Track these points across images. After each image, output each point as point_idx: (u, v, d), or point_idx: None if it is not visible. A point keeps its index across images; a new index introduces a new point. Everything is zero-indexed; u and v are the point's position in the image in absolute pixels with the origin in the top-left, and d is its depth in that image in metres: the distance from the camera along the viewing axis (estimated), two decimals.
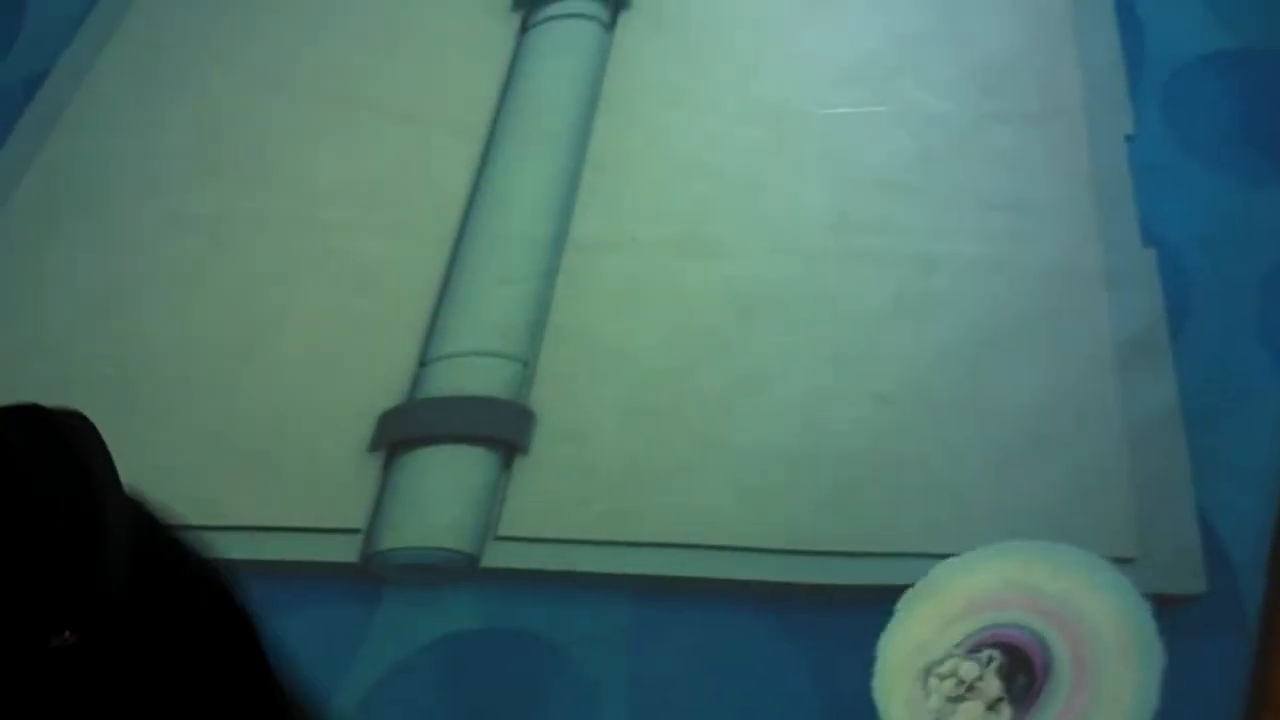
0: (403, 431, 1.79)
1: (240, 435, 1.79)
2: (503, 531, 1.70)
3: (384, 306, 1.91)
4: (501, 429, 1.78)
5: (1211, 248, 1.76)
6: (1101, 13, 2.02)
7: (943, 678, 1.58)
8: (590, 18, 2.14)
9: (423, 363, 1.85)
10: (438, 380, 1.83)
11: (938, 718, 1.57)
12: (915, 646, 1.57)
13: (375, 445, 1.79)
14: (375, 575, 1.69)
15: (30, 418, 0.80)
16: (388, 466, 1.77)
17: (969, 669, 1.58)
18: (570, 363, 1.82)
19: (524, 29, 2.16)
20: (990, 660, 1.57)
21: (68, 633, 0.78)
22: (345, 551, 1.71)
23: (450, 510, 1.73)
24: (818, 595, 1.61)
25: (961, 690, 1.57)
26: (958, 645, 1.58)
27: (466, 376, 1.83)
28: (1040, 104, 1.96)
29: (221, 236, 2.01)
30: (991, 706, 1.57)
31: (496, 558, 1.69)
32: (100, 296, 1.99)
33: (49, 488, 0.80)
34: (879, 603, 1.59)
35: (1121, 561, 1.57)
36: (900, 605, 1.58)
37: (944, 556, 1.60)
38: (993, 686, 1.55)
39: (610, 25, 2.13)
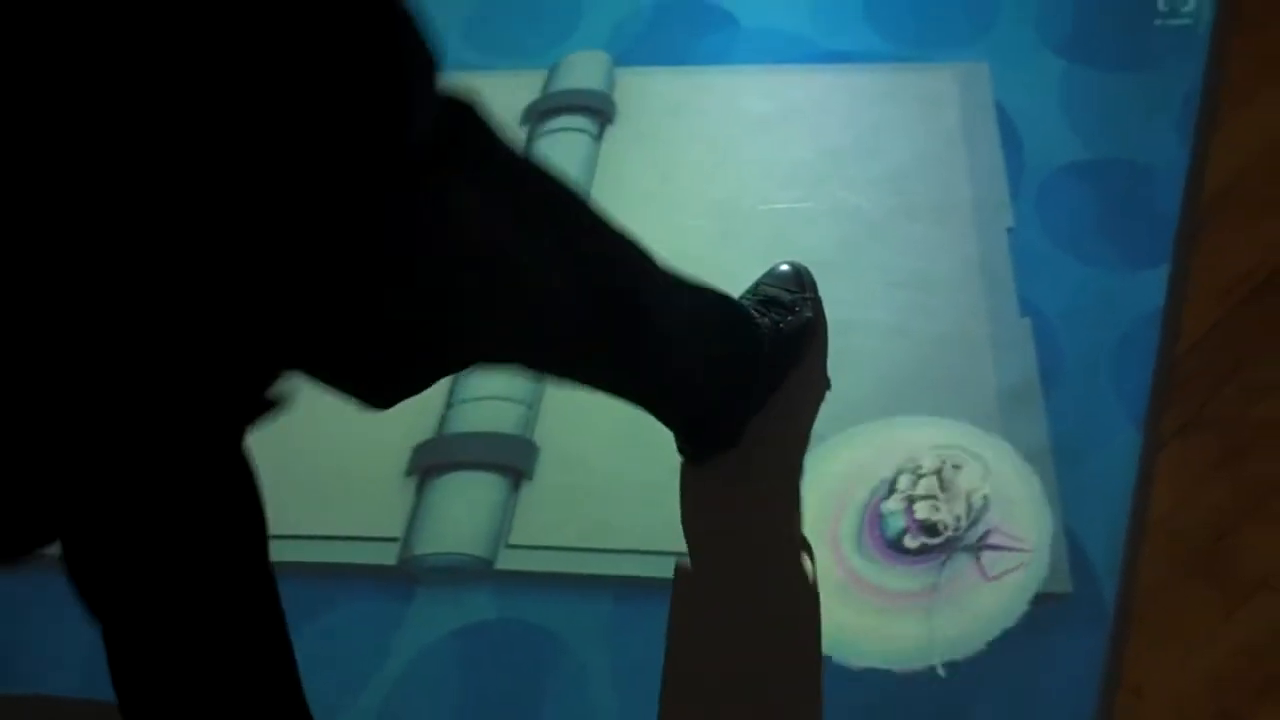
0: (433, 460, 1.79)
1: (304, 464, 1.78)
2: (513, 540, 1.70)
3: None
4: (511, 458, 1.77)
5: (1076, 318, 1.76)
6: (986, 130, 2.02)
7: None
8: (582, 131, 2.14)
9: (449, 405, 1.84)
10: (461, 419, 1.83)
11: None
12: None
13: (411, 471, 1.78)
14: (410, 575, 1.68)
15: None
16: (420, 488, 1.76)
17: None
18: (566, 405, 1.81)
19: (529, 140, 2.15)
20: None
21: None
22: (385, 556, 1.70)
23: (471, 523, 1.72)
24: None
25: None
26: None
27: (484, 416, 1.82)
28: (938, 201, 1.95)
29: None
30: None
31: (508, 562, 1.68)
32: None
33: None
34: None
35: None
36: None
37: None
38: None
39: (598, 138, 2.13)
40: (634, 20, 2.31)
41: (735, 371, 1.60)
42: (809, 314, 1.75)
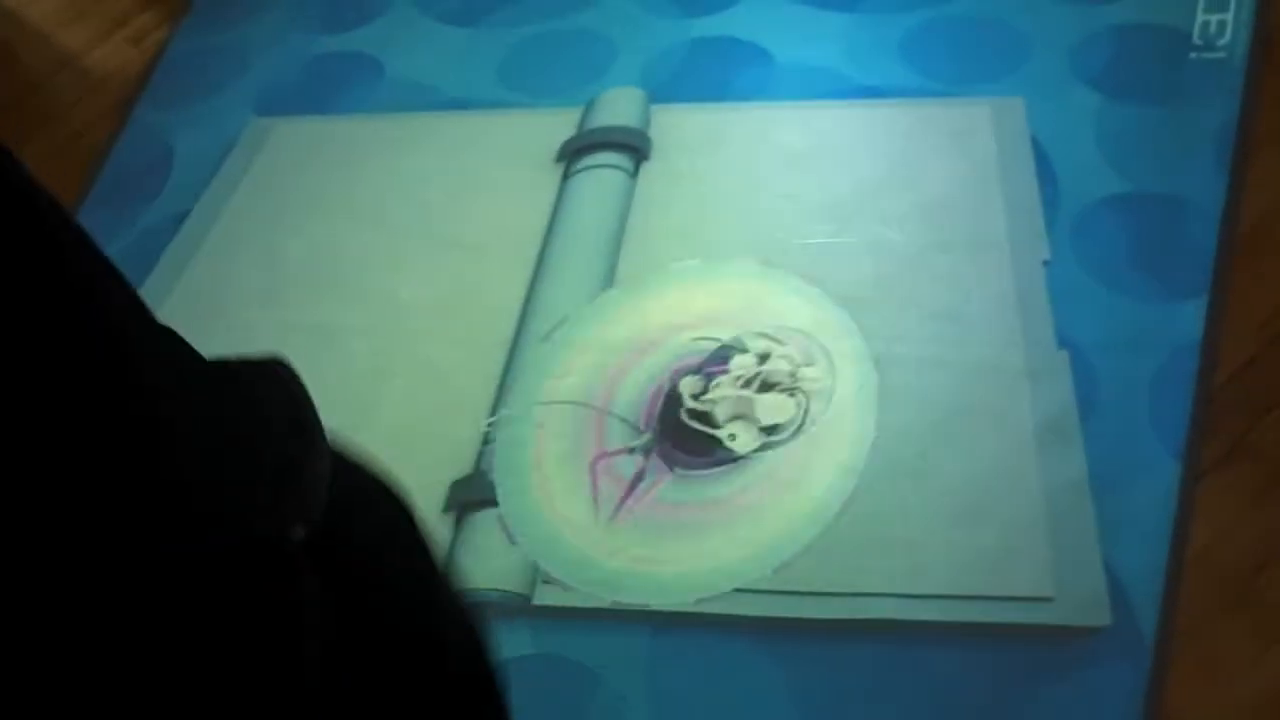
0: (469, 496, 1.80)
1: None
2: (550, 576, 1.70)
3: (454, 398, 1.91)
4: None
5: (1113, 350, 1.76)
6: (1022, 164, 2.02)
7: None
8: (618, 168, 2.15)
9: (485, 442, 1.85)
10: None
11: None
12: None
13: (448, 508, 1.79)
14: None
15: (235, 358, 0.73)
16: (458, 524, 1.77)
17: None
18: None
19: (565, 177, 2.17)
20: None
21: (299, 527, 0.69)
22: None
23: (508, 559, 1.72)
24: (801, 627, 1.61)
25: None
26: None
27: None
28: (974, 235, 1.96)
29: (326, 342, 2.02)
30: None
31: (545, 597, 1.69)
32: None
33: (272, 406, 0.74)
34: (848, 633, 1.59)
35: (1041, 600, 1.57)
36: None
37: (902, 596, 1.60)
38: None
39: (634, 174, 2.15)
40: (668, 57, 2.33)
41: None
42: None
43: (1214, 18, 2.11)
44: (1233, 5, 2.12)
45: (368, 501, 0.85)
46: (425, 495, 1.80)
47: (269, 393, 0.75)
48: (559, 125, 2.26)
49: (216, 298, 2.14)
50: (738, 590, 1.64)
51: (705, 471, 1.76)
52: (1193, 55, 2.09)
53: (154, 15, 2.70)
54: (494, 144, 2.27)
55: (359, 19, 2.57)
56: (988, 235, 1.94)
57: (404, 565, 0.86)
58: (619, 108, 2.26)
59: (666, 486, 1.76)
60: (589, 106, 2.28)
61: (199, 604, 0.61)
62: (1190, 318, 1.77)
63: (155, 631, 0.58)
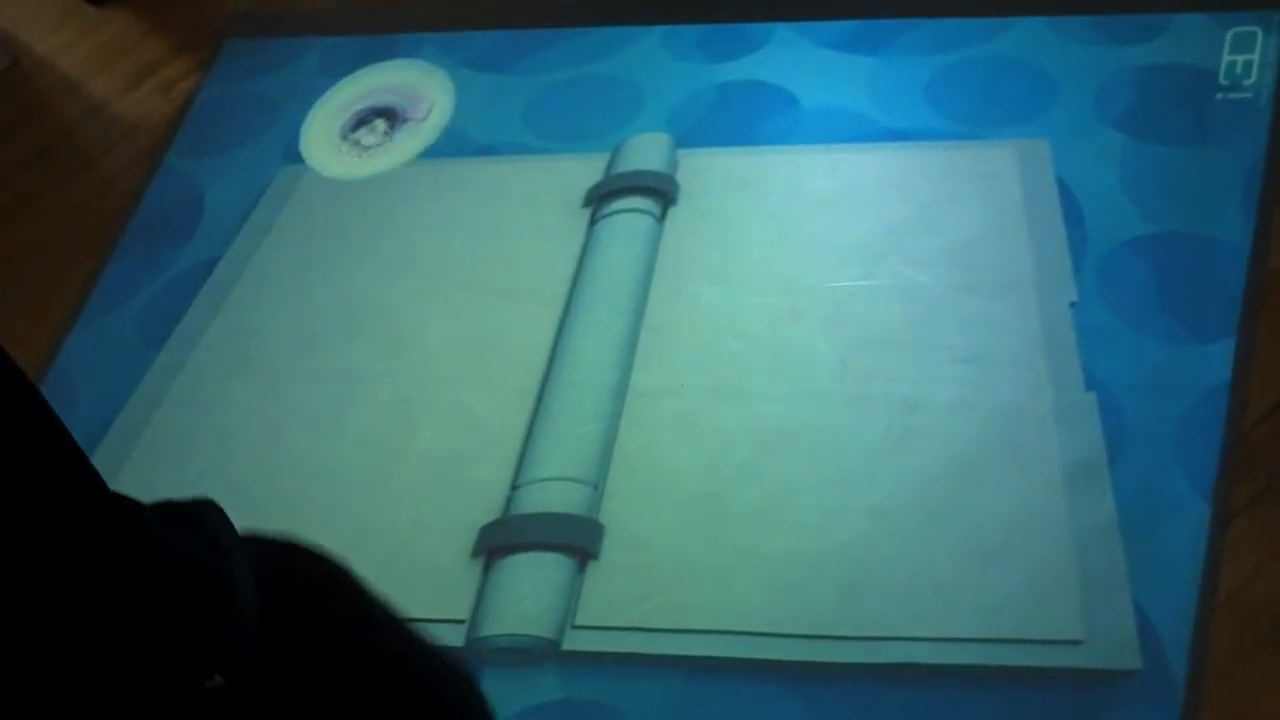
0: (498, 541, 1.82)
1: (369, 545, 1.81)
2: (579, 621, 1.72)
3: (484, 443, 1.94)
4: (577, 539, 1.80)
5: (1140, 392, 1.77)
6: (1048, 205, 2.03)
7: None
8: (645, 212, 2.17)
9: (514, 486, 1.87)
10: (526, 500, 1.86)
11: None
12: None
13: (477, 552, 1.81)
14: (477, 656, 1.70)
15: (163, 504, 0.78)
16: (487, 569, 1.79)
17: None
18: (632, 485, 1.84)
19: (593, 222, 2.20)
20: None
21: (217, 676, 0.74)
22: (453, 637, 1.72)
23: (537, 604, 1.74)
24: (831, 671, 1.62)
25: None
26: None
27: (549, 497, 1.85)
28: (1000, 277, 1.97)
29: (355, 388, 2.05)
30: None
31: (575, 642, 1.70)
32: (256, 436, 2.03)
33: (181, 549, 0.77)
34: (878, 678, 1.60)
35: (1071, 643, 1.58)
36: None
37: (929, 640, 1.61)
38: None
39: (661, 219, 2.17)
40: (695, 103, 2.35)
41: None
42: None
43: (1240, 58, 2.13)
44: (1259, 45, 2.13)
45: (311, 592, 0.89)
46: (454, 539, 1.83)
47: (192, 547, 0.79)
48: (586, 171, 2.28)
49: (246, 345, 2.17)
50: (768, 634, 1.66)
51: None
52: (1219, 96, 2.10)
53: (183, 64, 2.75)
54: (521, 190, 2.30)
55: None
56: (1014, 277, 1.96)
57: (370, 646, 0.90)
58: (646, 153, 2.28)
59: None
60: (616, 152, 2.31)
61: None
62: (1218, 359, 1.78)
63: None
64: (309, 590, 0.89)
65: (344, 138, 2.46)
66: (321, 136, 2.49)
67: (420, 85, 2.52)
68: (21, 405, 0.67)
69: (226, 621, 0.76)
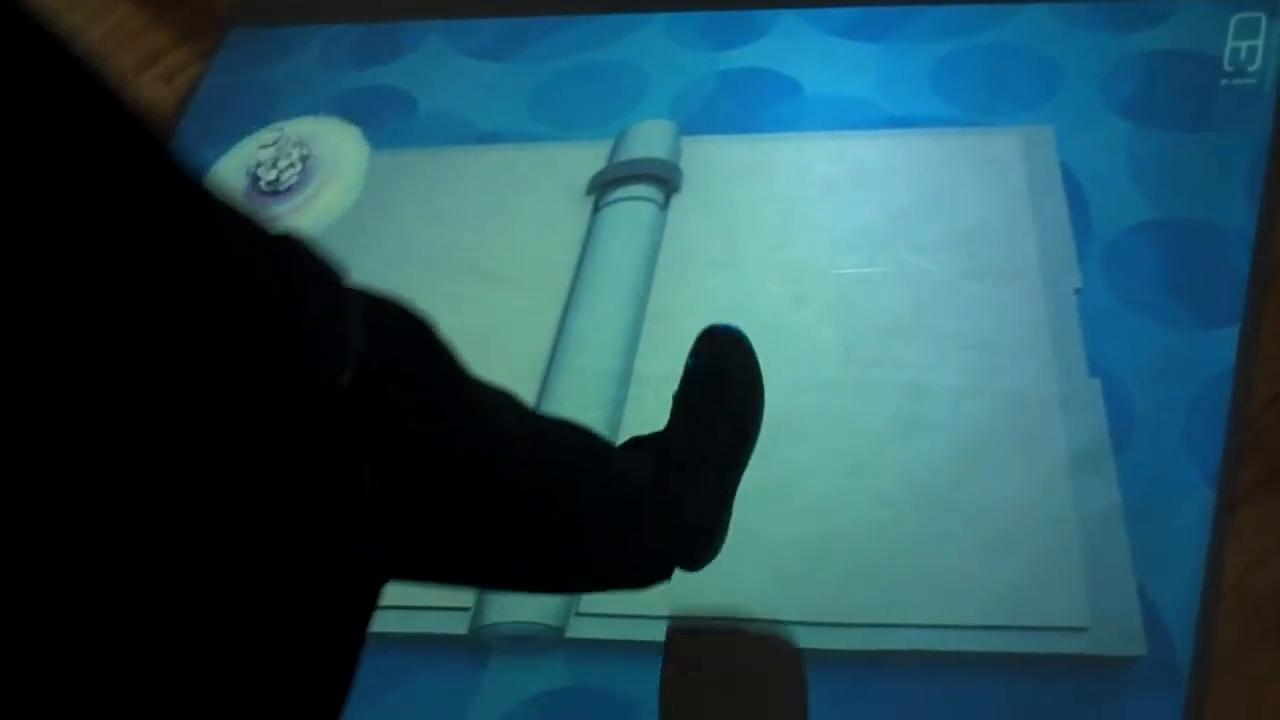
0: None
1: None
2: (583, 609, 1.72)
3: None
4: None
5: (1145, 379, 1.77)
6: (1053, 192, 2.03)
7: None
8: (649, 200, 2.17)
9: None
10: None
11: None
12: None
13: None
14: (483, 645, 1.70)
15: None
16: None
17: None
18: None
19: (596, 209, 2.19)
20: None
21: (348, 371, 0.78)
22: (458, 626, 1.73)
23: None
24: (835, 658, 1.62)
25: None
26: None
27: None
28: (1005, 263, 1.97)
29: None
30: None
31: (579, 630, 1.71)
32: None
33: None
34: (882, 664, 1.60)
35: (1076, 629, 1.58)
36: None
37: (935, 626, 1.61)
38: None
39: (664, 206, 2.16)
40: (699, 90, 2.35)
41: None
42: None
43: (1244, 44, 2.12)
44: (1263, 31, 2.13)
45: (400, 329, 0.95)
46: None
47: (306, 260, 0.84)
48: (590, 158, 2.28)
49: None
50: (771, 621, 1.66)
51: None
52: (1223, 82, 2.10)
53: (186, 53, 2.74)
54: (525, 177, 2.30)
55: (391, 54, 2.61)
56: (1019, 264, 1.96)
57: (439, 376, 0.98)
58: (649, 140, 2.28)
59: None
60: (619, 139, 2.30)
61: (264, 435, 0.68)
62: (1223, 345, 1.78)
63: (229, 455, 0.65)
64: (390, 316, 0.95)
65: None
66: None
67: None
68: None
69: (349, 326, 0.81)
